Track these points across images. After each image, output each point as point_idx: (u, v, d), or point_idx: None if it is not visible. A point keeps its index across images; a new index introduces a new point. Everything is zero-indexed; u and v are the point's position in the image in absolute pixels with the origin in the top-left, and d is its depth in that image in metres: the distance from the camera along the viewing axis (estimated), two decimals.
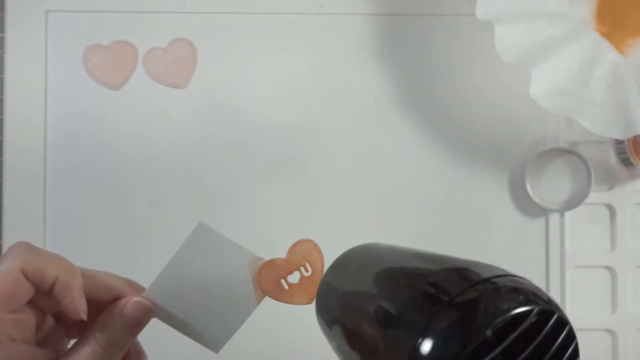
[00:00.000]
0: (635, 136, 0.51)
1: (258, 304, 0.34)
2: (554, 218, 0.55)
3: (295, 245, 0.34)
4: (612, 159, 0.55)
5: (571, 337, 0.25)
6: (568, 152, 0.55)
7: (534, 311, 0.23)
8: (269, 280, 0.33)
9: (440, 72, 0.55)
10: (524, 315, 0.23)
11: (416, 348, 0.23)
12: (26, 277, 0.27)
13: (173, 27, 0.55)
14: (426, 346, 0.23)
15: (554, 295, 0.54)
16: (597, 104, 0.45)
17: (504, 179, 0.55)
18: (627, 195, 0.55)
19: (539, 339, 0.23)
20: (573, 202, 0.55)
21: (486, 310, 0.23)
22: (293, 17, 0.55)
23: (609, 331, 0.55)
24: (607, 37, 0.49)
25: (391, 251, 0.31)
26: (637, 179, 0.55)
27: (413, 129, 0.55)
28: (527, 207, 0.55)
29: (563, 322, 0.25)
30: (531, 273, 0.54)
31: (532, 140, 0.55)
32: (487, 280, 0.24)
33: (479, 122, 0.55)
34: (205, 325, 0.44)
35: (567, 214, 0.55)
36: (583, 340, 0.54)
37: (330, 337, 0.29)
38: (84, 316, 0.29)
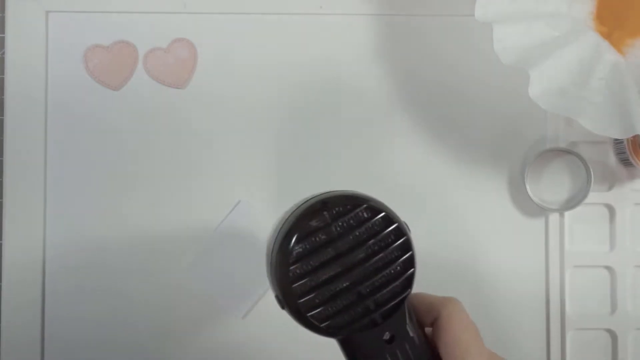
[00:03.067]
0: (635, 136, 0.52)
1: None
2: (554, 218, 0.55)
3: None
4: (612, 159, 0.55)
5: (400, 234, 0.33)
6: (568, 152, 0.55)
7: (364, 206, 0.32)
8: None
9: (440, 72, 0.55)
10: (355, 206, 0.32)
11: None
12: None
13: (173, 27, 0.55)
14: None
15: (554, 295, 0.54)
16: (597, 104, 0.46)
17: (503, 179, 0.55)
18: (626, 195, 0.55)
19: (358, 218, 0.32)
20: (572, 202, 0.55)
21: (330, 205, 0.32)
22: (293, 17, 0.55)
23: (609, 331, 0.55)
24: (606, 38, 0.50)
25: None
26: (637, 179, 0.55)
27: (412, 129, 0.55)
28: (527, 207, 0.55)
29: (390, 220, 0.33)
30: (531, 273, 0.55)
31: (532, 140, 0.55)
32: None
33: (479, 122, 0.55)
34: (235, 291, 0.53)
35: (567, 214, 0.55)
36: (583, 341, 0.54)
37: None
38: None
